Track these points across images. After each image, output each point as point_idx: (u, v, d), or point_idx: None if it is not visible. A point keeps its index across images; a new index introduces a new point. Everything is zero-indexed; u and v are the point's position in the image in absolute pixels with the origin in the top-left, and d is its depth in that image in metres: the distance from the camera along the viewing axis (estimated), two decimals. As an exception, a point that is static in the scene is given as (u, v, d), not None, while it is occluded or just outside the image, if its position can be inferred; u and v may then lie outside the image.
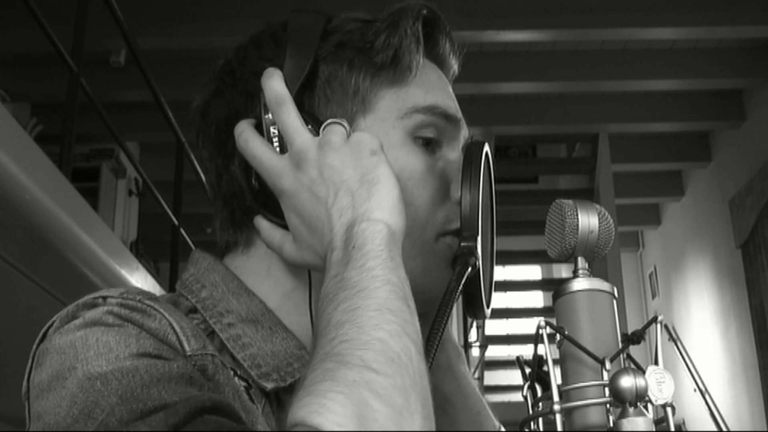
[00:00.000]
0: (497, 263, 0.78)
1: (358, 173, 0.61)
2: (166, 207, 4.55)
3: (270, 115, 0.66)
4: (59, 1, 3.77)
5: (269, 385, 0.64)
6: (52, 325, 0.60)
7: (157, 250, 6.16)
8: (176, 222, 4.67)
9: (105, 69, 5.09)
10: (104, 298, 0.60)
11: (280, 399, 0.65)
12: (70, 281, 3.03)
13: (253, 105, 0.69)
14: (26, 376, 0.59)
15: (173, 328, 0.59)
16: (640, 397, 0.60)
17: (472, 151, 0.70)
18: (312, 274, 0.68)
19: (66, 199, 2.95)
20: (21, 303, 2.93)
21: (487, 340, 7.18)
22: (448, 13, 0.75)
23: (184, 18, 4.99)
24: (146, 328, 0.58)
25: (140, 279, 3.75)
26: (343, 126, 0.64)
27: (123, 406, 0.51)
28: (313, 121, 0.66)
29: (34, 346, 0.60)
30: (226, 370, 0.62)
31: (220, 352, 0.64)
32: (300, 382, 0.52)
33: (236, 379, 0.63)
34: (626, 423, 0.60)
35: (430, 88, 0.72)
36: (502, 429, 0.82)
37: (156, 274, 5.40)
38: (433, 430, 0.51)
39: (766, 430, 5.77)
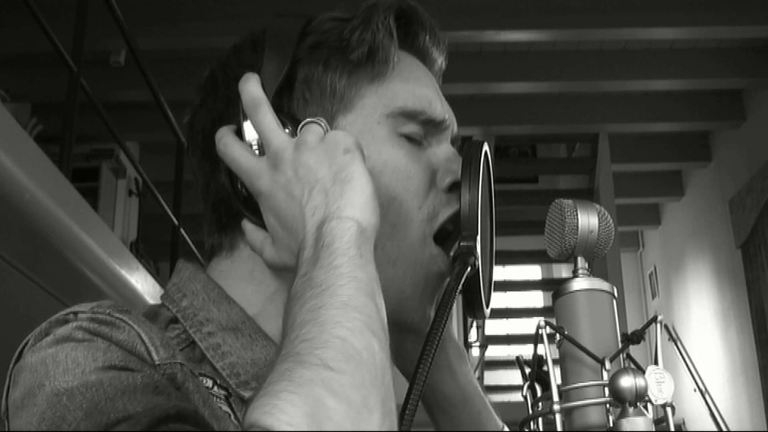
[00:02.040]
0: (497, 263, 0.78)
1: (332, 171, 0.61)
2: (166, 207, 4.55)
3: (249, 120, 0.67)
4: (59, 1, 3.77)
5: (247, 394, 0.63)
6: (27, 343, 0.60)
7: (157, 250, 6.16)
8: (176, 222, 4.67)
9: (105, 69, 5.09)
10: (75, 313, 0.60)
11: None
12: (70, 281, 3.03)
13: (234, 111, 0.69)
14: (5, 395, 0.59)
15: (141, 338, 0.59)
16: (640, 397, 0.60)
17: (471, 151, 0.70)
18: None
19: (66, 199, 2.95)
20: (21, 303, 2.93)
21: (487, 340, 7.18)
22: (430, 7, 0.75)
23: (184, 18, 4.99)
24: (115, 340, 0.58)
25: (140, 279, 3.75)
26: (320, 125, 0.65)
27: (88, 420, 0.51)
28: (293, 123, 0.66)
29: (11, 365, 0.60)
30: (196, 378, 0.62)
31: (200, 362, 0.64)
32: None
33: (216, 388, 0.63)
34: (626, 423, 0.60)
35: (415, 84, 0.72)
36: (506, 429, 0.82)
37: (156, 274, 5.40)
38: (394, 428, 0.50)
39: (766, 430, 5.77)
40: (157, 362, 0.59)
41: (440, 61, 0.78)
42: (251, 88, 0.66)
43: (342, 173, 0.61)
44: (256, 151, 0.66)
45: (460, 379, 0.79)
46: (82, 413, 0.52)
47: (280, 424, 0.46)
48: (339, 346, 0.51)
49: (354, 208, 0.60)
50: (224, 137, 0.67)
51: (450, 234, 0.72)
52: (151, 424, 0.49)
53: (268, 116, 0.65)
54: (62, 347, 0.57)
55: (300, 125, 0.65)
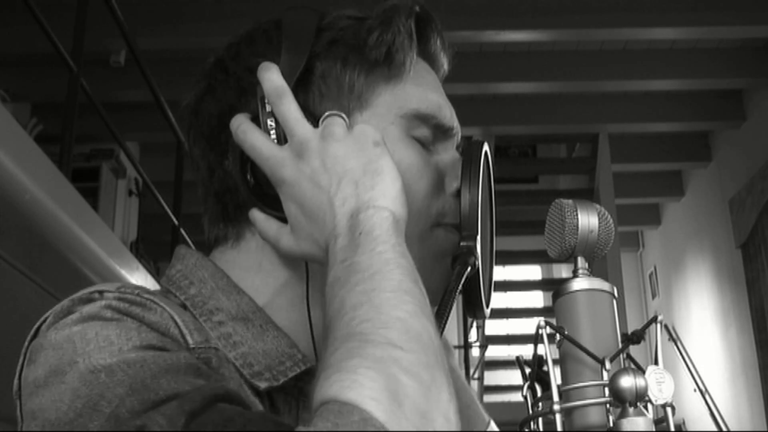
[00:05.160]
0: (497, 263, 0.78)
1: (362, 163, 0.62)
2: (166, 207, 4.55)
3: (268, 108, 0.66)
4: (59, 1, 3.77)
5: (263, 385, 0.63)
6: (45, 321, 0.59)
7: (157, 250, 6.16)
8: (176, 222, 4.67)
9: (105, 69, 5.09)
10: (101, 292, 0.59)
11: (272, 398, 0.65)
12: (70, 281, 3.03)
13: (246, 100, 0.69)
14: (17, 374, 0.58)
15: (175, 321, 0.59)
16: (640, 397, 0.60)
17: (471, 151, 0.70)
18: (309, 267, 0.68)
19: (66, 199, 2.95)
20: (21, 303, 2.93)
21: (487, 340, 7.18)
22: (439, 12, 0.75)
23: (184, 18, 4.99)
24: (146, 321, 0.57)
25: (140, 279, 3.75)
26: (343, 118, 0.65)
27: (133, 397, 0.50)
28: (309, 116, 0.66)
29: (26, 343, 0.59)
30: (229, 364, 0.62)
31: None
32: (318, 366, 0.51)
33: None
34: (626, 423, 0.60)
35: (427, 89, 0.73)
36: (492, 423, 0.82)
37: (156, 274, 5.40)
38: (457, 406, 0.50)
39: (766, 430, 5.77)
40: (191, 345, 0.58)
41: (446, 66, 0.79)
42: (274, 77, 0.66)
43: (372, 165, 0.61)
44: (274, 140, 0.66)
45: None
46: (124, 390, 0.51)
47: (363, 398, 0.45)
48: (400, 326, 0.51)
49: (387, 199, 0.60)
50: (242, 124, 0.67)
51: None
52: (204, 403, 0.49)
53: (293, 106, 0.65)
54: (90, 325, 0.56)
55: (323, 117, 0.65)
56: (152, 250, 6.24)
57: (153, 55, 4.71)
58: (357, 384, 0.46)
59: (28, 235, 2.80)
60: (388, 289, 0.54)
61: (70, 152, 3.21)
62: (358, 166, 0.61)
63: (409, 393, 0.47)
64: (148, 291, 0.61)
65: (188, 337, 0.59)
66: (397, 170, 0.62)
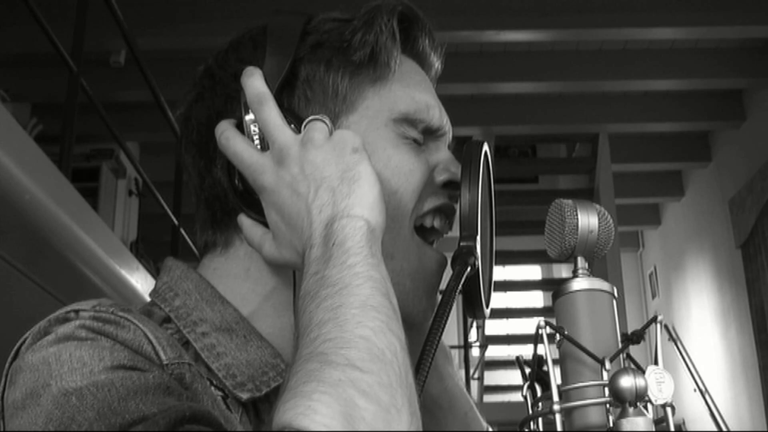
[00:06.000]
0: (497, 263, 0.78)
1: (340, 170, 0.61)
2: (166, 207, 4.55)
3: (251, 114, 0.66)
4: (59, 1, 3.77)
5: (244, 396, 0.63)
6: (24, 342, 0.60)
7: (157, 250, 6.15)
8: (176, 222, 4.67)
9: (105, 69, 5.09)
10: (76, 311, 0.59)
11: (257, 408, 0.65)
12: (70, 281, 3.03)
13: (233, 107, 0.69)
14: (0, 395, 0.58)
15: (148, 338, 0.59)
16: (640, 397, 0.60)
17: (471, 151, 0.70)
18: (297, 274, 0.68)
19: (66, 199, 2.95)
20: (21, 303, 2.93)
21: (487, 340, 7.19)
22: (430, 8, 0.75)
23: (184, 18, 5.00)
24: (120, 339, 0.57)
25: (140, 279, 3.75)
26: (325, 123, 0.64)
27: (101, 421, 0.50)
28: (294, 120, 0.66)
29: (7, 364, 0.59)
30: (203, 379, 0.62)
31: (195, 363, 0.63)
32: (283, 384, 0.51)
33: (212, 389, 0.63)
34: (626, 423, 0.60)
35: (416, 89, 0.73)
36: (490, 430, 0.82)
37: (156, 274, 5.40)
38: (420, 426, 0.51)
39: (766, 430, 5.77)
40: (165, 362, 0.58)
41: (437, 65, 0.78)
42: (256, 83, 0.66)
43: (350, 172, 0.61)
44: (258, 146, 0.66)
45: (447, 381, 0.80)
46: (93, 414, 0.51)
47: (316, 425, 0.46)
48: (363, 345, 0.51)
49: (363, 208, 0.60)
50: (226, 131, 0.67)
51: (432, 229, 0.73)
52: (168, 426, 0.49)
53: (273, 112, 0.65)
54: (65, 346, 0.56)
55: (305, 122, 0.65)
56: (152, 250, 6.23)
57: (153, 55, 4.71)
58: (311, 410, 0.46)
59: (28, 235, 2.80)
60: (354, 305, 0.53)
61: (70, 152, 3.21)
62: (335, 173, 0.61)
63: (366, 416, 0.47)
64: (123, 308, 0.61)
65: (161, 354, 0.58)
66: (376, 176, 0.62)
